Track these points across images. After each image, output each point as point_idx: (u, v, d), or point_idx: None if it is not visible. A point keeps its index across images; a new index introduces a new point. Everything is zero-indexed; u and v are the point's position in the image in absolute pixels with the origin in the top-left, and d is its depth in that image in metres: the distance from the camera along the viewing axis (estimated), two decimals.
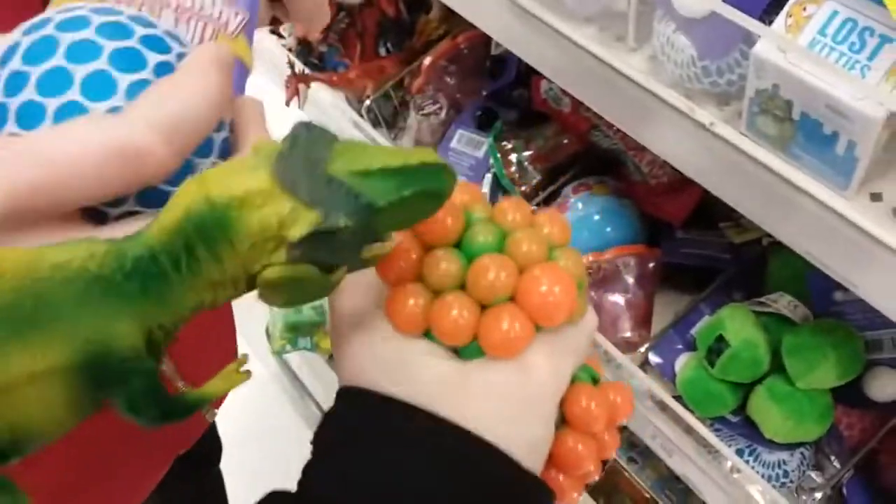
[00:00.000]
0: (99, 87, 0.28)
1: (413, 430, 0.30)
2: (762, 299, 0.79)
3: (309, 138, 0.28)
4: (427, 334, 0.33)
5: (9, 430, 0.25)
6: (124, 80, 0.28)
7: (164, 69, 0.29)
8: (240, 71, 0.34)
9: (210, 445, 1.16)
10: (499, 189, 1.01)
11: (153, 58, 0.29)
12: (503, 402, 0.31)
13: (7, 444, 0.25)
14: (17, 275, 0.24)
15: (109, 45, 0.29)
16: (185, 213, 0.26)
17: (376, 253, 0.30)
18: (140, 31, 0.30)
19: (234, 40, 0.35)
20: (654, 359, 0.88)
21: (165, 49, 0.30)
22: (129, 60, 0.29)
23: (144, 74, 0.29)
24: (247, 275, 0.27)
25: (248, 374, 0.32)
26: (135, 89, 0.28)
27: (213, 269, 0.27)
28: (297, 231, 0.26)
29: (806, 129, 0.51)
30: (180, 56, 0.30)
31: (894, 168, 0.53)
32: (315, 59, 1.19)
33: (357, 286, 0.34)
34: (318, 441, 0.33)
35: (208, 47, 0.29)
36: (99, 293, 0.25)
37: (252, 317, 1.91)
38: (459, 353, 0.33)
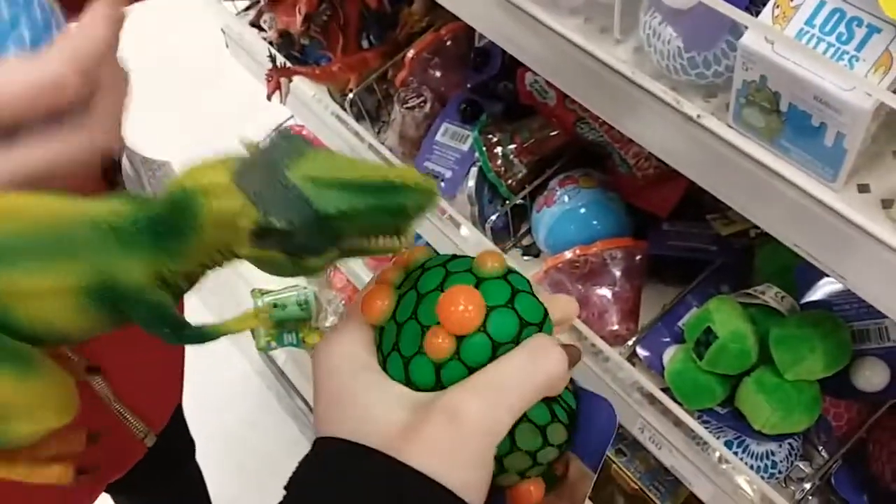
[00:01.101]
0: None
1: (374, 473, 0.33)
2: (749, 291, 0.79)
3: (277, 145, 0.33)
4: (393, 371, 0.37)
5: (30, 326, 0.33)
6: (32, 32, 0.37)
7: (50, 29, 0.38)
8: None
9: (182, 442, 1.16)
10: (484, 182, 1.01)
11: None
12: (442, 449, 0.33)
13: (28, 334, 0.33)
14: (52, 216, 0.33)
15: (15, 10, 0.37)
16: (170, 194, 0.33)
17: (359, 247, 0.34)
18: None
19: None
20: (641, 351, 0.88)
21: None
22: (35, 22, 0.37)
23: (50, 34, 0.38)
24: (227, 249, 0.34)
25: (267, 322, 0.36)
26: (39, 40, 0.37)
27: (195, 239, 0.33)
28: (244, 225, 0.32)
29: (794, 120, 0.50)
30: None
31: (882, 159, 0.53)
32: (297, 53, 1.17)
33: (333, 351, 0.38)
34: (290, 484, 0.35)
35: (102, 4, 0.37)
36: (114, 239, 0.33)
37: (235, 314, 1.89)
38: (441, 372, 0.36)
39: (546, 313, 0.38)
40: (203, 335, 0.36)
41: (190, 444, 1.18)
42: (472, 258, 0.39)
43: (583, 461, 0.39)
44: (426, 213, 0.35)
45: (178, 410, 1.02)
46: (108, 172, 0.69)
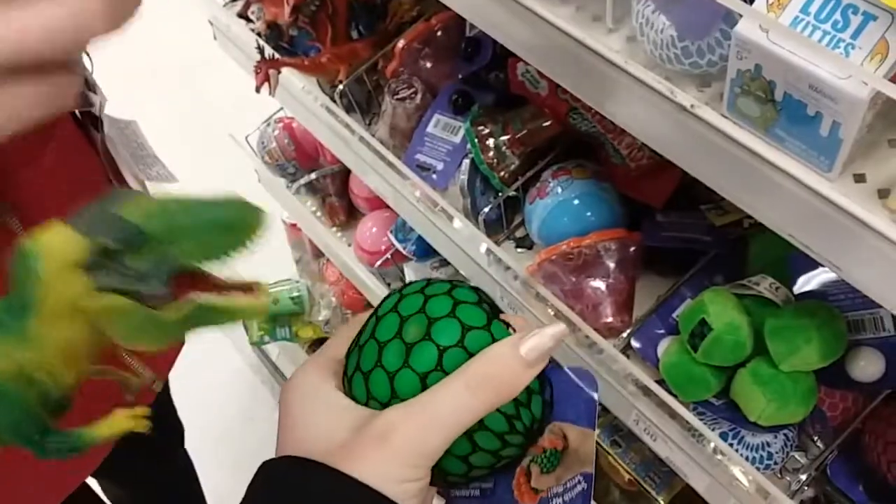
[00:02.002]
0: None
1: (318, 484, 0.35)
2: (744, 282, 0.79)
3: (112, 196, 0.35)
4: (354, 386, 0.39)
5: None
6: None
7: None
8: None
9: (171, 427, 1.15)
10: (477, 174, 1.00)
11: None
12: (374, 467, 0.35)
13: None
14: None
15: None
16: (13, 259, 0.34)
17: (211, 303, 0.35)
18: None
19: None
20: (636, 343, 0.87)
21: None
22: None
23: None
24: (74, 308, 0.34)
25: (138, 422, 0.39)
26: None
27: (42, 304, 0.34)
28: (77, 255, 0.33)
29: (789, 110, 0.50)
30: None
31: (878, 148, 0.52)
32: (285, 44, 1.16)
33: (294, 383, 0.41)
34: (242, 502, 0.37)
35: None
36: None
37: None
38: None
39: (490, 318, 0.40)
40: (71, 442, 0.36)
41: (179, 430, 1.18)
42: (426, 281, 0.42)
43: (577, 425, 0.42)
44: (258, 234, 0.35)
45: (166, 393, 1.02)
46: (84, 122, 0.70)
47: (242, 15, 1.21)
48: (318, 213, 1.48)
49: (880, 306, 0.71)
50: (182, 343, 0.88)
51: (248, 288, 0.37)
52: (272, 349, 1.78)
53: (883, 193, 0.50)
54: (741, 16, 0.48)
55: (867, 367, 0.73)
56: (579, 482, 0.41)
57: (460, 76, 1.06)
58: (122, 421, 0.39)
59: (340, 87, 1.09)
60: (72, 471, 0.71)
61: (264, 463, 0.38)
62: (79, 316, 0.34)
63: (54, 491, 0.70)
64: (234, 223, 0.35)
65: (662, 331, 0.86)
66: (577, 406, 0.41)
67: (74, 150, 0.69)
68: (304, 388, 0.40)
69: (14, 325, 0.34)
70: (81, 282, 0.33)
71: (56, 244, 0.33)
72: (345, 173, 1.42)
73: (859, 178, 0.51)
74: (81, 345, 0.35)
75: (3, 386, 0.34)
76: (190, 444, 1.24)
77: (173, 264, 0.34)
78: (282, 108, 1.41)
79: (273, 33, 1.14)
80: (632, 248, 0.89)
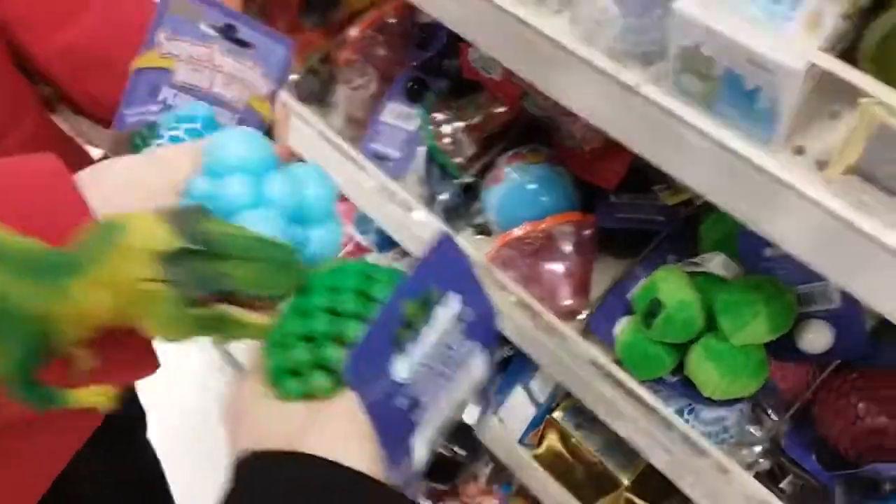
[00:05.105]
0: None
1: (276, 468, 0.37)
2: (695, 259, 0.80)
3: (190, 208, 0.40)
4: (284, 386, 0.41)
5: None
6: None
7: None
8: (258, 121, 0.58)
9: (131, 413, 1.13)
10: (433, 162, 1.00)
11: None
12: (335, 432, 0.38)
13: None
14: None
15: None
16: (93, 227, 0.39)
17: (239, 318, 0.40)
18: None
19: (262, 102, 0.59)
20: (593, 325, 0.88)
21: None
22: None
23: None
24: (129, 287, 0.38)
25: (110, 400, 0.41)
26: None
27: (101, 269, 0.37)
28: (165, 246, 0.38)
29: (729, 84, 0.51)
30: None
31: (816, 121, 0.54)
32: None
33: (234, 395, 0.43)
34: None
35: None
36: (22, 265, 0.37)
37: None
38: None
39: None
40: (53, 397, 0.39)
41: (140, 414, 1.15)
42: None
43: None
44: (296, 287, 0.41)
45: None
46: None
47: None
48: None
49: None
50: None
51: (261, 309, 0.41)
52: (237, 348, 1.76)
53: (822, 165, 0.52)
54: None
55: (815, 339, 0.75)
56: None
57: (414, 63, 1.05)
58: (96, 395, 0.41)
59: (294, 77, 1.08)
60: (41, 473, 0.70)
61: (248, 457, 0.39)
62: (125, 294, 0.38)
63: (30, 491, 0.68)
64: (291, 269, 0.40)
65: (619, 311, 0.87)
66: None
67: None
68: (249, 395, 0.42)
69: (63, 279, 0.37)
70: (152, 269, 0.37)
71: (149, 230, 0.38)
72: None
73: (798, 150, 0.52)
74: (106, 317, 0.38)
75: (27, 323, 0.36)
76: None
77: (227, 285, 0.39)
78: None
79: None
80: (587, 231, 0.90)
